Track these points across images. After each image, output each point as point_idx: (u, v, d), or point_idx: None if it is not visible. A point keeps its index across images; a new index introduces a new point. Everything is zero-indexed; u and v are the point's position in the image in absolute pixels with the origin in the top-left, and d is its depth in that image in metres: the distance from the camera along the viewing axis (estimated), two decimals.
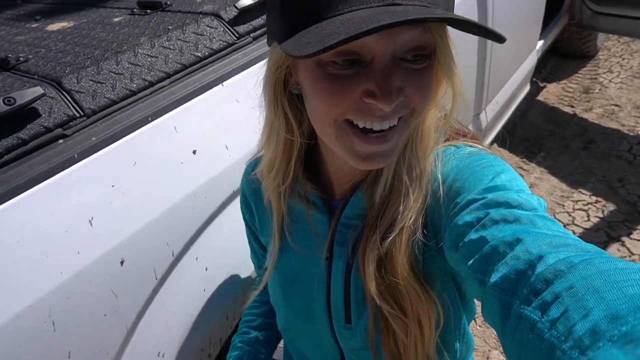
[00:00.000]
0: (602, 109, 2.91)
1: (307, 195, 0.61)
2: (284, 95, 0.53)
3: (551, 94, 3.16)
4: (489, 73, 1.85)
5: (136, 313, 0.79)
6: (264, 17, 1.04)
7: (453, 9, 0.46)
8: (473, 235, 0.42)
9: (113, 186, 0.76)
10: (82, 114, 0.77)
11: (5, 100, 0.69)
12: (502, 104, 2.14)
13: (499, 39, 0.41)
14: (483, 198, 0.45)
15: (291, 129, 0.55)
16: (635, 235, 2.05)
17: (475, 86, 1.83)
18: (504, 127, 2.61)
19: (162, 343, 0.84)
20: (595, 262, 0.32)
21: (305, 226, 0.63)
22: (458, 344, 0.62)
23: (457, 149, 0.55)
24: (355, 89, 0.44)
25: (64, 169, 0.72)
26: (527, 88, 2.52)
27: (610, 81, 3.17)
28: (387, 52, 0.43)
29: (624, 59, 3.40)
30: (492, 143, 2.64)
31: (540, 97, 3.14)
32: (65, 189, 0.72)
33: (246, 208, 0.72)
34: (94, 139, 0.76)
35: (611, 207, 2.21)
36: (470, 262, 0.42)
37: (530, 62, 2.40)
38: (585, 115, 2.88)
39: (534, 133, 2.77)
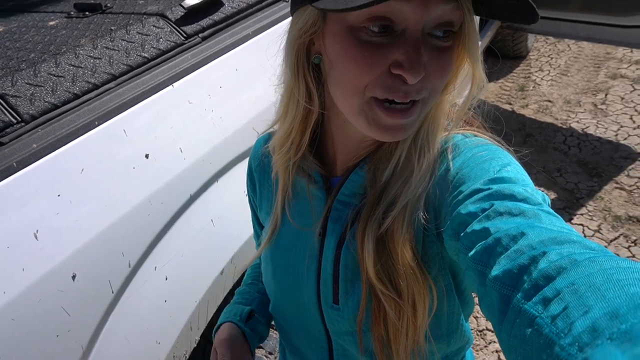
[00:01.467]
0: (537, 104, 3.10)
1: (309, 171, 0.61)
2: (306, 63, 0.53)
3: (490, 92, 3.32)
4: None
5: (92, 330, 0.73)
6: (212, 16, 1.02)
7: None
8: (476, 226, 0.42)
9: (59, 195, 0.71)
10: (20, 119, 0.71)
11: None
12: None
13: (534, 16, 0.41)
14: (488, 189, 0.44)
15: (311, 98, 0.54)
16: (575, 219, 2.18)
17: None
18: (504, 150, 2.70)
19: (123, 356, 0.78)
20: (598, 260, 0.32)
21: (304, 202, 0.62)
22: (451, 336, 0.61)
23: (466, 138, 0.54)
24: (385, 59, 0.44)
25: (2, 179, 0.66)
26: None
27: (542, 79, 3.38)
28: (420, 23, 0.43)
29: (552, 58, 3.64)
30: None
31: (481, 97, 3.28)
32: (5, 200, 0.66)
33: (250, 183, 0.71)
34: (34, 145, 0.70)
35: (552, 195, 2.34)
36: (472, 252, 0.41)
37: None
38: (522, 112, 3.05)
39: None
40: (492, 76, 3.50)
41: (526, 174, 0.48)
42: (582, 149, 2.63)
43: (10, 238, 0.65)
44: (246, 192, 0.75)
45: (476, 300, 0.65)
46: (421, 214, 0.52)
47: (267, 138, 0.69)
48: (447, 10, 0.43)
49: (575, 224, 2.14)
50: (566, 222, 2.12)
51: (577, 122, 2.86)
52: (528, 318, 0.32)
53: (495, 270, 0.37)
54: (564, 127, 2.84)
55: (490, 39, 3.00)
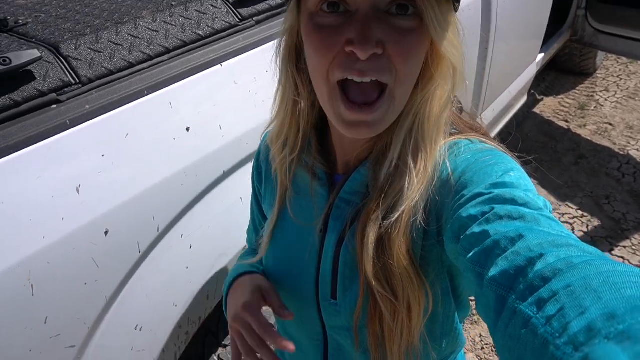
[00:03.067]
0: (595, 126, 2.95)
1: (313, 167, 0.62)
2: (294, 59, 0.56)
3: (547, 107, 3.19)
4: (488, 80, 1.86)
5: (117, 284, 0.79)
6: (269, 1, 1.04)
7: None
8: (476, 229, 0.42)
9: (103, 156, 0.76)
10: (78, 81, 0.77)
11: (1, 60, 0.68)
12: (498, 112, 2.16)
13: None
14: (490, 193, 0.45)
15: (298, 91, 0.57)
16: (616, 251, 2.08)
17: (473, 92, 1.84)
18: (498, 136, 2.62)
19: (141, 317, 0.84)
20: (595, 264, 0.32)
21: (306, 198, 0.64)
22: (445, 338, 0.61)
23: (471, 143, 0.55)
24: (339, 39, 0.47)
25: (55, 135, 0.72)
26: (524, 99, 2.54)
27: (606, 100, 3.21)
28: (367, 2, 0.45)
29: (621, 79, 3.44)
30: None
31: (536, 110, 3.16)
32: (55, 154, 0.72)
33: (257, 173, 0.73)
34: (87, 107, 0.76)
35: (596, 222, 2.24)
36: (470, 254, 0.42)
37: (529, 73, 2.41)
38: (578, 131, 2.92)
39: (527, 144, 2.79)
40: (552, 90, 3.36)
41: (529, 180, 0.48)
42: (637, 179, 2.49)
43: (55, 189, 0.71)
44: (252, 183, 0.76)
45: (473, 304, 0.65)
46: (420, 217, 0.52)
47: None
48: None
49: (616, 255, 2.05)
50: (606, 252, 2.04)
51: (637, 150, 2.71)
52: (523, 318, 0.33)
53: (492, 272, 0.38)
54: (622, 153, 2.69)
55: (556, 51, 2.87)
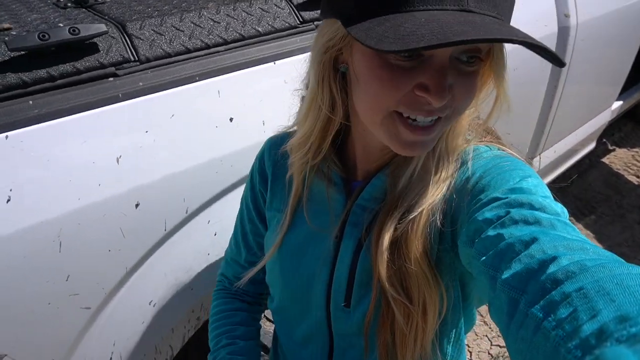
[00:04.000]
0: None
1: (330, 174, 0.62)
2: (332, 72, 0.54)
3: (618, 159, 2.99)
4: (553, 119, 1.77)
5: (139, 257, 0.82)
6: None
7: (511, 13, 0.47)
8: (491, 232, 0.42)
9: (147, 132, 0.79)
10: (137, 58, 0.81)
11: (71, 30, 0.73)
12: (560, 155, 2.05)
13: (559, 62, 0.41)
14: (506, 197, 0.45)
15: (334, 107, 0.56)
16: None
17: (535, 129, 1.76)
18: (557, 180, 2.48)
19: (156, 293, 0.86)
20: (608, 266, 0.32)
21: (321, 204, 0.63)
22: (450, 348, 0.61)
23: (489, 149, 0.56)
24: (410, 82, 0.45)
25: (107, 105, 0.76)
26: (591, 146, 2.39)
27: None
28: (448, 52, 0.45)
29: None
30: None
31: (605, 160, 2.97)
32: (103, 123, 0.76)
33: (260, 177, 0.72)
34: (141, 84, 0.79)
35: None
36: (484, 257, 0.42)
37: (601, 119, 2.28)
38: None
39: (589, 194, 2.62)
40: (626, 142, 3.15)
41: (546, 187, 0.48)
42: None
43: (97, 155, 0.74)
44: (251, 187, 0.74)
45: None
46: (438, 220, 0.52)
47: (282, 138, 0.70)
48: None
49: None
50: None
51: None
52: (535, 321, 0.32)
53: (505, 274, 0.38)
54: None
55: (635, 102, 2.69)
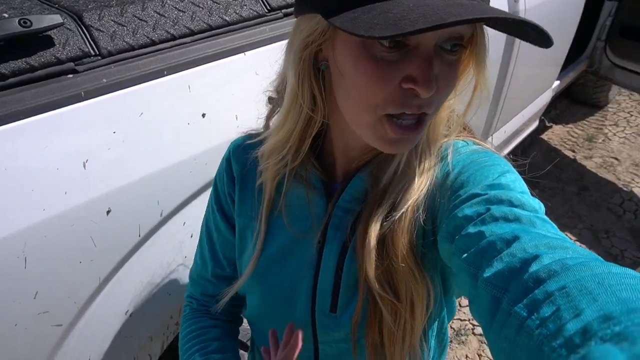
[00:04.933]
0: (601, 159, 2.94)
1: (308, 177, 0.60)
2: (312, 69, 0.51)
3: (555, 135, 3.18)
4: (504, 102, 1.85)
5: (112, 266, 0.77)
6: None
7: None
8: (471, 229, 0.42)
9: (114, 133, 0.73)
10: (98, 52, 0.74)
11: (22, 22, 0.65)
12: (509, 135, 2.15)
13: (549, 42, 0.41)
14: (486, 194, 0.45)
15: (315, 105, 0.53)
16: None
17: (488, 112, 1.82)
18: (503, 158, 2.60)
19: (133, 302, 0.81)
20: (590, 265, 0.32)
21: (300, 209, 0.61)
22: (434, 341, 0.61)
23: (466, 144, 0.56)
24: (397, 74, 0.44)
25: (68, 105, 0.69)
26: (535, 124, 2.53)
27: (614, 134, 3.20)
28: (434, 39, 0.43)
29: (632, 115, 3.44)
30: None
31: (544, 136, 3.15)
32: (66, 125, 0.69)
33: (228, 180, 0.66)
34: (104, 80, 0.73)
35: None
36: (465, 255, 0.42)
37: (544, 99, 2.40)
38: (584, 162, 2.91)
39: (531, 170, 2.77)
40: (561, 119, 3.35)
41: (524, 182, 0.49)
42: (639, 217, 2.48)
43: (61, 161, 0.68)
44: (217, 192, 0.69)
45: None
46: (421, 216, 0.52)
47: (245, 139, 0.66)
48: (462, 26, 0.43)
49: None
50: None
51: None
52: (518, 320, 0.32)
53: (487, 273, 0.38)
54: (625, 189, 2.68)
55: (571, 80, 2.86)
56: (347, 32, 0.39)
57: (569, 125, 3.29)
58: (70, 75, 0.71)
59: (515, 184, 0.47)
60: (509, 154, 2.33)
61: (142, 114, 0.76)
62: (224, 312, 0.74)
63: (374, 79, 0.44)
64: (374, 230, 0.53)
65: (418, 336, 0.55)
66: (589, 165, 2.89)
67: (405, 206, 0.52)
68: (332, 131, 0.58)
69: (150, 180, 0.78)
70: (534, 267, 0.35)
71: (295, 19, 0.51)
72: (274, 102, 0.62)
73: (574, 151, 3.03)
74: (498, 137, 2.01)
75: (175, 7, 0.84)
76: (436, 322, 0.61)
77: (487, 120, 1.85)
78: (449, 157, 0.54)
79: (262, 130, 0.64)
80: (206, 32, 0.86)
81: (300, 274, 0.60)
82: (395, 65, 0.43)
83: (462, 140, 0.57)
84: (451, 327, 1.88)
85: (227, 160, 0.67)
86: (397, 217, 0.52)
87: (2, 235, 0.63)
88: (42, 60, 0.69)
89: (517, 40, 1.70)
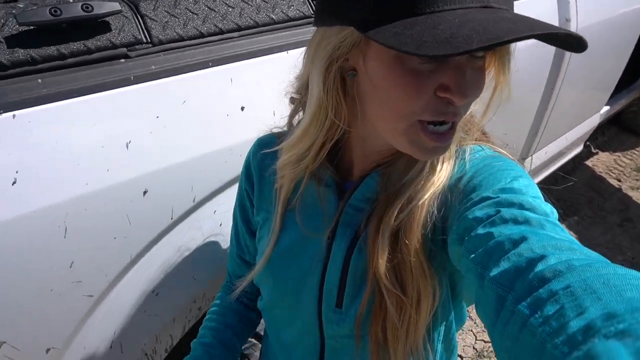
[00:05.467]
0: None
1: (321, 175, 0.61)
2: (338, 80, 0.52)
3: (601, 162, 3.06)
4: (547, 121, 1.80)
5: (144, 245, 0.80)
6: None
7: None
8: (480, 231, 0.43)
9: (157, 117, 0.77)
10: (149, 40, 0.78)
11: (84, 7, 0.70)
12: (550, 157, 2.08)
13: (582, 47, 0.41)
14: (497, 197, 0.46)
15: (341, 114, 0.54)
16: None
17: (529, 131, 1.78)
18: (544, 182, 2.53)
19: (160, 282, 0.84)
20: (595, 266, 0.32)
21: (313, 207, 0.62)
22: (440, 345, 0.61)
23: (482, 149, 0.56)
24: (432, 84, 0.45)
25: (118, 87, 0.73)
26: (579, 149, 2.44)
27: None
28: None
29: None
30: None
31: (588, 162, 3.04)
32: (113, 106, 0.73)
33: (246, 178, 0.70)
34: (153, 67, 0.77)
35: None
36: (473, 255, 0.42)
37: (590, 123, 2.32)
38: (630, 193, 2.78)
39: (572, 195, 2.68)
40: (608, 146, 3.22)
41: (537, 187, 0.49)
42: None
43: (106, 141, 0.72)
44: (239, 186, 0.73)
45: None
46: (435, 213, 0.52)
47: (269, 139, 0.69)
48: None
49: None
50: None
51: None
52: (522, 318, 0.33)
53: (494, 272, 0.38)
54: None
55: (622, 107, 2.75)
56: (395, 49, 0.40)
57: (617, 154, 3.16)
58: (123, 60, 0.75)
59: (528, 188, 0.47)
60: (544, 179, 2.26)
61: (184, 101, 0.79)
62: (251, 293, 0.79)
63: (410, 90, 0.45)
64: (389, 222, 0.53)
65: (422, 333, 0.56)
66: (635, 196, 2.76)
67: (423, 199, 0.53)
68: (353, 137, 0.59)
69: (187, 166, 0.81)
70: (539, 267, 0.35)
71: (317, 29, 0.51)
72: (296, 102, 0.64)
73: (619, 180, 2.90)
74: (538, 157, 1.96)
75: (226, 3, 0.87)
76: (443, 326, 0.61)
77: (527, 139, 1.80)
78: (464, 160, 0.55)
79: (286, 128, 0.66)
80: (252, 29, 0.89)
81: (309, 268, 0.61)
82: (429, 75, 0.44)
83: (478, 145, 0.57)
84: (473, 348, 1.83)
85: (248, 160, 0.71)
86: (413, 208, 0.53)
87: (48, 204, 0.67)
88: (99, 43, 0.73)
89: (566, 60, 1.66)
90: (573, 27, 1.62)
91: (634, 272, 0.31)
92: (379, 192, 0.57)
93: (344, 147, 0.61)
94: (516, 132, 1.72)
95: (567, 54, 1.67)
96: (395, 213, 0.53)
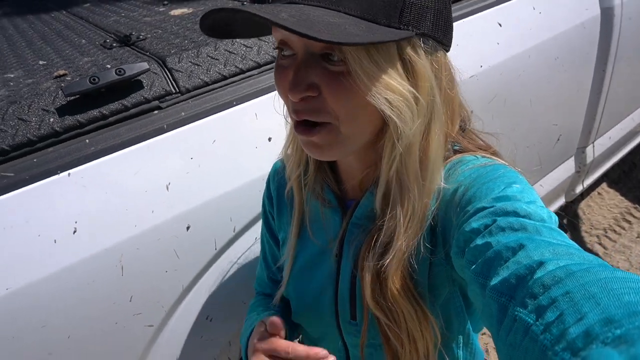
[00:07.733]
0: None
1: (323, 193, 0.64)
2: None
3: None
4: (604, 104, 1.69)
5: (193, 275, 0.87)
6: None
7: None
8: (479, 241, 0.43)
9: (192, 158, 0.84)
10: (177, 90, 0.86)
11: (117, 71, 0.80)
12: (617, 141, 1.94)
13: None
14: (492, 206, 0.46)
15: None
16: None
17: (585, 117, 1.68)
18: (620, 167, 2.35)
19: (213, 308, 0.91)
20: (593, 271, 0.33)
21: (320, 223, 0.66)
22: (461, 351, 0.61)
23: (475, 159, 0.56)
24: (286, 80, 0.49)
25: (154, 137, 0.82)
26: None
27: None
28: (301, 47, 0.47)
29: None
30: (600, 181, 2.40)
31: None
32: (152, 154, 0.82)
33: (268, 200, 0.77)
34: (183, 114, 0.85)
35: None
36: (474, 266, 0.43)
37: None
38: None
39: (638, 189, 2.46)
40: None
41: (534, 192, 0.48)
42: None
43: (149, 185, 0.80)
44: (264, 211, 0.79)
45: None
46: (422, 247, 0.52)
47: (282, 163, 0.74)
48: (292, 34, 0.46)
49: None
50: None
51: None
52: (523, 326, 0.33)
53: (494, 281, 0.39)
54: None
55: None
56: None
57: None
58: (156, 112, 0.84)
59: (522, 194, 0.47)
60: (624, 161, 2.09)
61: (214, 141, 0.86)
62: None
63: (277, 86, 0.52)
64: (369, 266, 0.55)
65: (434, 352, 0.56)
66: None
67: (395, 249, 0.52)
68: None
69: (224, 199, 0.88)
70: (538, 274, 0.35)
71: None
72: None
73: None
74: (602, 143, 1.83)
75: (244, 44, 0.94)
76: (460, 337, 0.60)
77: (585, 125, 1.70)
78: (455, 174, 0.54)
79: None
80: (271, 64, 0.95)
81: (324, 284, 0.65)
82: (285, 71, 0.49)
83: (472, 154, 0.56)
84: None
85: (268, 183, 0.77)
86: (387, 261, 0.53)
87: (105, 247, 0.76)
88: (134, 100, 0.83)
89: (615, 36, 1.56)
90: (617, 1, 1.52)
91: (633, 275, 0.31)
92: (376, 210, 0.58)
93: (338, 162, 0.65)
94: (569, 120, 1.63)
95: (615, 30, 1.57)
96: (377, 255, 0.54)
